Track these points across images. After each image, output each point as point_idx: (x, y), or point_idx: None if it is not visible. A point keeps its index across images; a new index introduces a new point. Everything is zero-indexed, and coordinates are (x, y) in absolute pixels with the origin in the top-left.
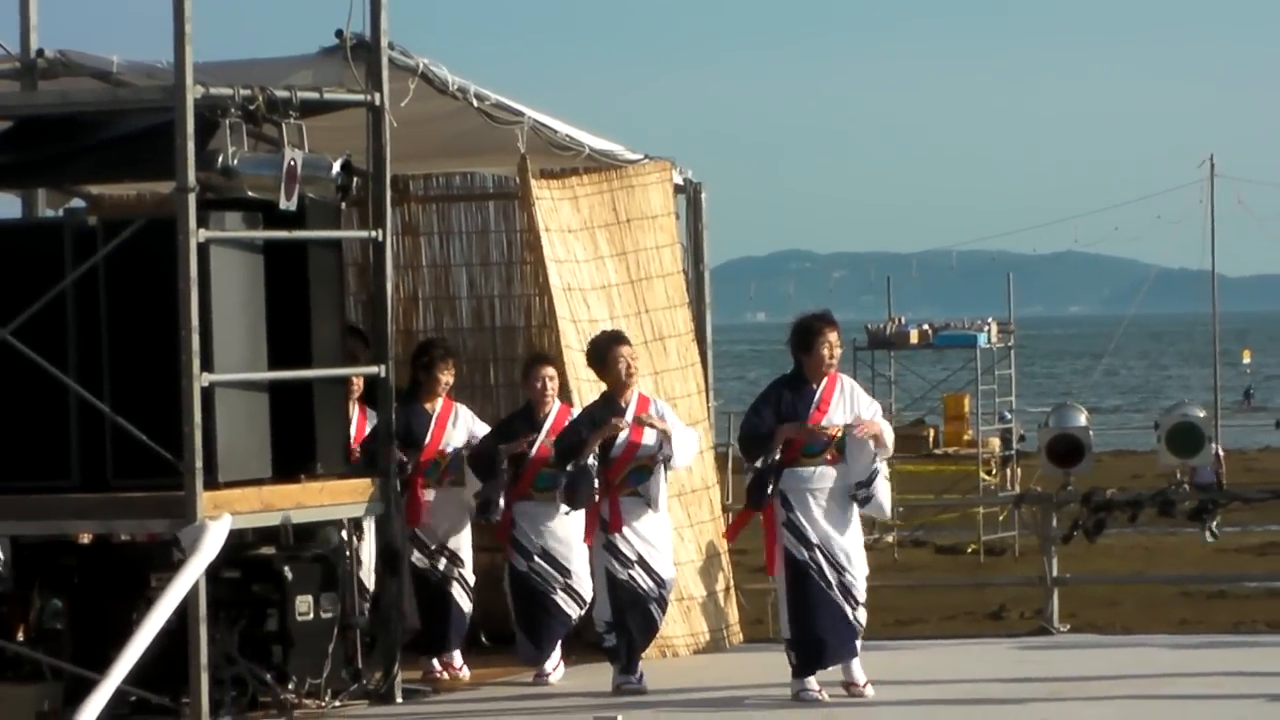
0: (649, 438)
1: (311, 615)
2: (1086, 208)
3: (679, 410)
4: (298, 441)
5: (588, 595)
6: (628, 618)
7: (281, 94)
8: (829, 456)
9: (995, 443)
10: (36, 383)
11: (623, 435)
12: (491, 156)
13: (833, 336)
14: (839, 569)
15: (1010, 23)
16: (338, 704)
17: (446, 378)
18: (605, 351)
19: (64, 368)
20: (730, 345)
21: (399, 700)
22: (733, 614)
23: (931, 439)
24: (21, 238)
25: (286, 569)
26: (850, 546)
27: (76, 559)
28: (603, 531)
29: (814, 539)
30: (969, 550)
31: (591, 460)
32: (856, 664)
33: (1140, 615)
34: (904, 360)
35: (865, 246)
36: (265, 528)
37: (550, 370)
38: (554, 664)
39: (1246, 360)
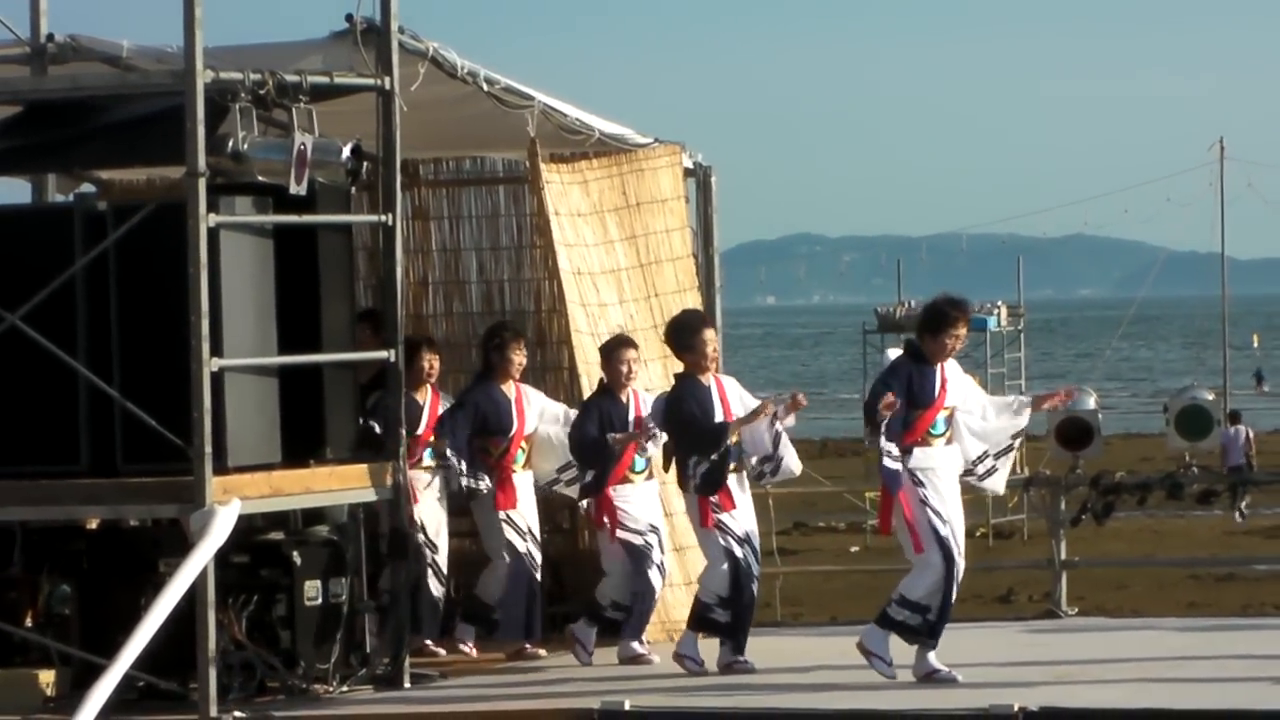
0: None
1: (320, 600)
2: (1096, 190)
3: None
4: (307, 426)
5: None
6: (743, 594)
7: (291, 78)
8: (948, 437)
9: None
10: (46, 368)
11: (718, 416)
12: (501, 141)
13: (962, 330)
14: (958, 552)
15: (1021, 5)
16: (345, 689)
17: (520, 358)
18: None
19: (73, 353)
20: (740, 329)
21: (407, 685)
22: None
23: None
24: (31, 223)
25: (295, 554)
26: (962, 531)
27: (85, 544)
28: (714, 511)
29: (946, 515)
30: (978, 533)
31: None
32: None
33: (1149, 598)
34: None
35: (875, 230)
36: (274, 512)
37: (634, 353)
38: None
39: (1255, 344)
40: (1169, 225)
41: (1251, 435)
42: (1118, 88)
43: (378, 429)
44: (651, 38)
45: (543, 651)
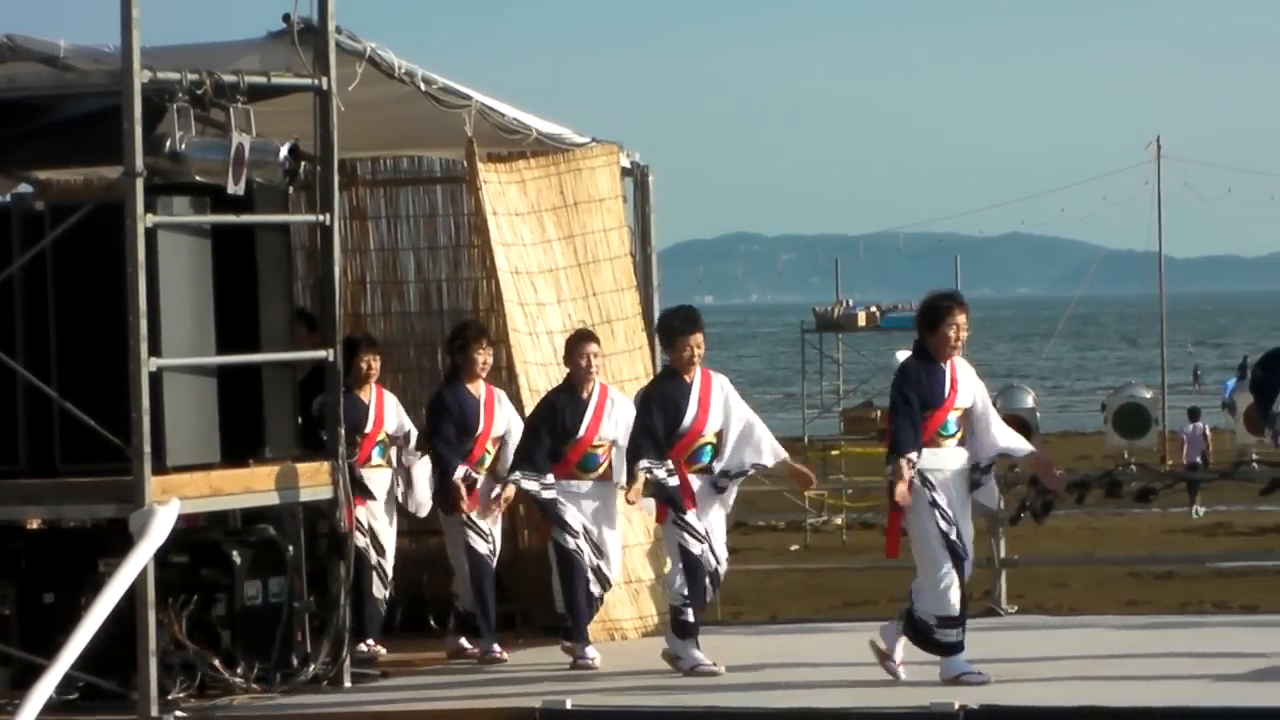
0: (715, 418)
1: (260, 600)
2: (1033, 190)
3: (626, 393)
4: (246, 426)
5: (613, 579)
6: (698, 591)
7: (229, 78)
8: (959, 438)
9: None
10: None
11: (690, 415)
12: (439, 140)
13: (961, 319)
14: (966, 552)
15: (956, 5)
16: (286, 688)
17: (484, 357)
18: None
19: (11, 353)
20: None
21: (347, 684)
22: None
23: (880, 421)
24: None
25: (235, 553)
26: (969, 532)
27: (25, 544)
28: (673, 509)
29: (953, 517)
30: None
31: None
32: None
33: (1088, 596)
34: (852, 342)
35: (813, 229)
36: (214, 512)
37: (595, 347)
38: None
39: (1191, 343)
40: (1106, 224)
41: (1209, 433)
42: (1054, 87)
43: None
44: (590, 37)
45: (505, 654)
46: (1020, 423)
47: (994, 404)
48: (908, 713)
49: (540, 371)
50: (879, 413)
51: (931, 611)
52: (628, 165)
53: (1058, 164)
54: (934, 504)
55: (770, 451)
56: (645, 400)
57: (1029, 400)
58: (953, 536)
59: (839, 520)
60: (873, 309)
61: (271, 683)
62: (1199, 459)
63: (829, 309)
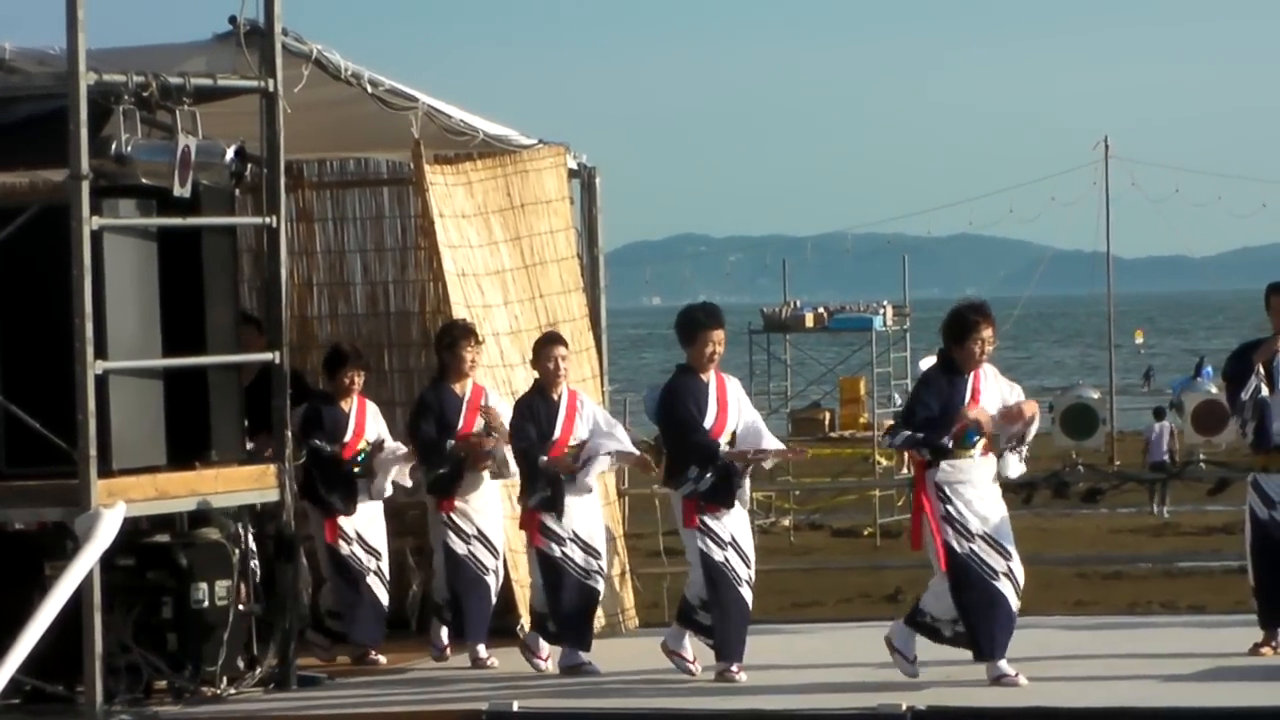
0: (731, 422)
1: (207, 602)
2: (981, 190)
3: None
4: (192, 428)
5: (605, 573)
6: (721, 598)
7: (175, 80)
8: (984, 447)
9: (890, 425)
10: None
11: (710, 417)
12: (385, 142)
13: (987, 333)
14: (1005, 555)
15: (905, 5)
16: (233, 691)
17: (472, 355)
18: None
19: None
20: (626, 330)
21: (294, 687)
22: (629, 598)
23: (827, 422)
24: None
25: (182, 556)
26: (1007, 532)
27: None
28: (697, 512)
29: (975, 529)
30: (865, 533)
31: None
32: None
33: (1036, 596)
34: (800, 343)
35: (761, 230)
36: (161, 515)
37: (563, 350)
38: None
39: (1139, 340)
40: (1054, 224)
41: (1177, 431)
42: (1001, 88)
43: (327, 447)
44: (536, 39)
45: (494, 661)
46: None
47: None
48: (855, 714)
49: (486, 374)
50: (827, 414)
51: (939, 616)
52: (575, 167)
53: (1006, 164)
54: (947, 518)
55: (769, 438)
56: (672, 396)
57: None
58: (960, 551)
59: (786, 522)
60: (820, 310)
61: (218, 686)
62: (1164, 459)
63: (777, 310)
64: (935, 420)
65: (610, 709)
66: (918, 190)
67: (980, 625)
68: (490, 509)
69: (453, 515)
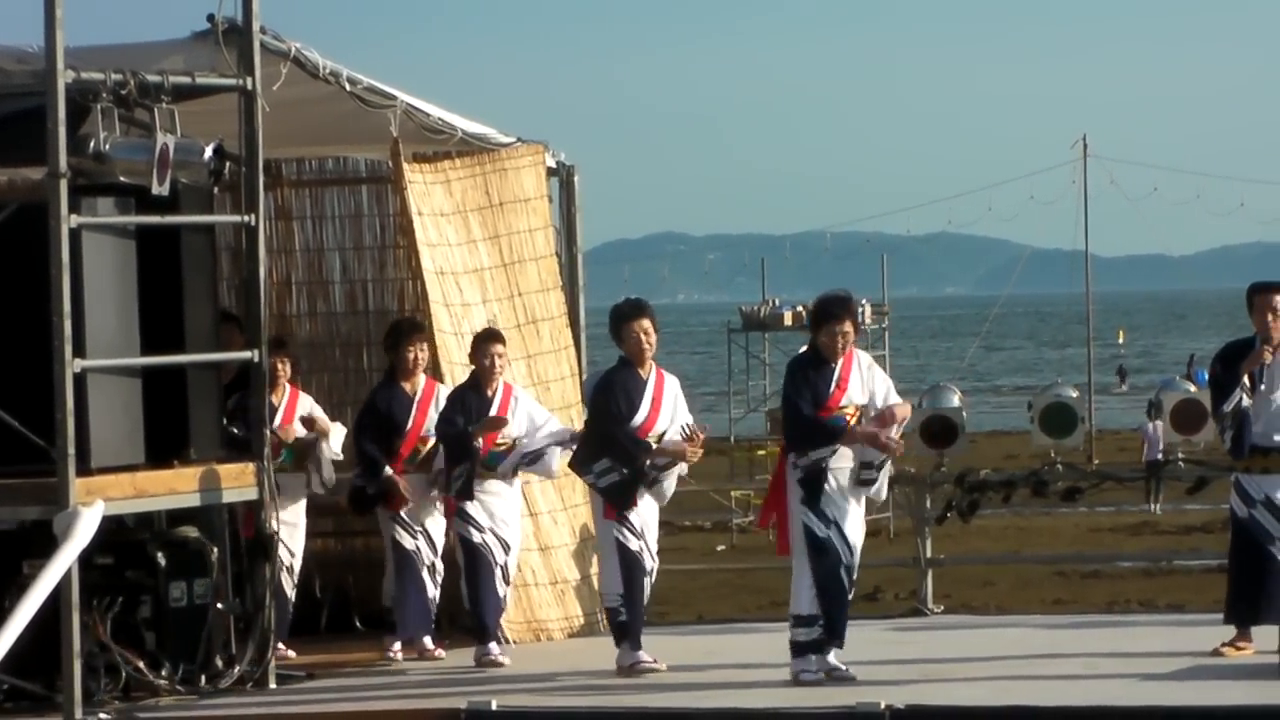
0: (663, 422)
1: (185, 601)
2: (960, 189)
3: (551, 393)
4: (171, 427)
5: (512, 577)
6: (634, 588)
7: (153, 78)
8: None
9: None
10: None
11: (642, 414)
12: (364, 140)
13: (846, 325)
14: (850, 550)
15: (880, 4)
16: (212, 689)
17: (416, 353)
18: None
19: None
20: (604, 328)
21: (272, 685)
22: None
23: None
24: None
25: (160, 555)
26: (858, 530)
27: None
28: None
29: (831, 516)
30: None
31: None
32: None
33: (1014, 595)
34: (778, 342)
35: (740, 228)
36: (139, 513)
37: (500, 347)
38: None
39: (1121, 340)
40: (1032, 223)
41: (1162, 430)
42: (980, 87)
43: (237, 431)
44: (515, 37)
45: (441, 652)
46: (946, 422)
47: (919, 404)
48: (834, 713)
49: (465, 373)
50: None
51: (792, 610)
52: (553, 165)
53: (985, 163)
54: (807, 503)
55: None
56: (605, 388)
57: (955, 400)
58: (820, 535)
59: None
60: (799, 308)
61: (196, 684)
62: (1160, 456)
63: (755, 309)
64: (814, 434)
65: (589, 707)
66: (897, 189)
67: (833, 614)
68: (430, 507)
69: (402, 512)
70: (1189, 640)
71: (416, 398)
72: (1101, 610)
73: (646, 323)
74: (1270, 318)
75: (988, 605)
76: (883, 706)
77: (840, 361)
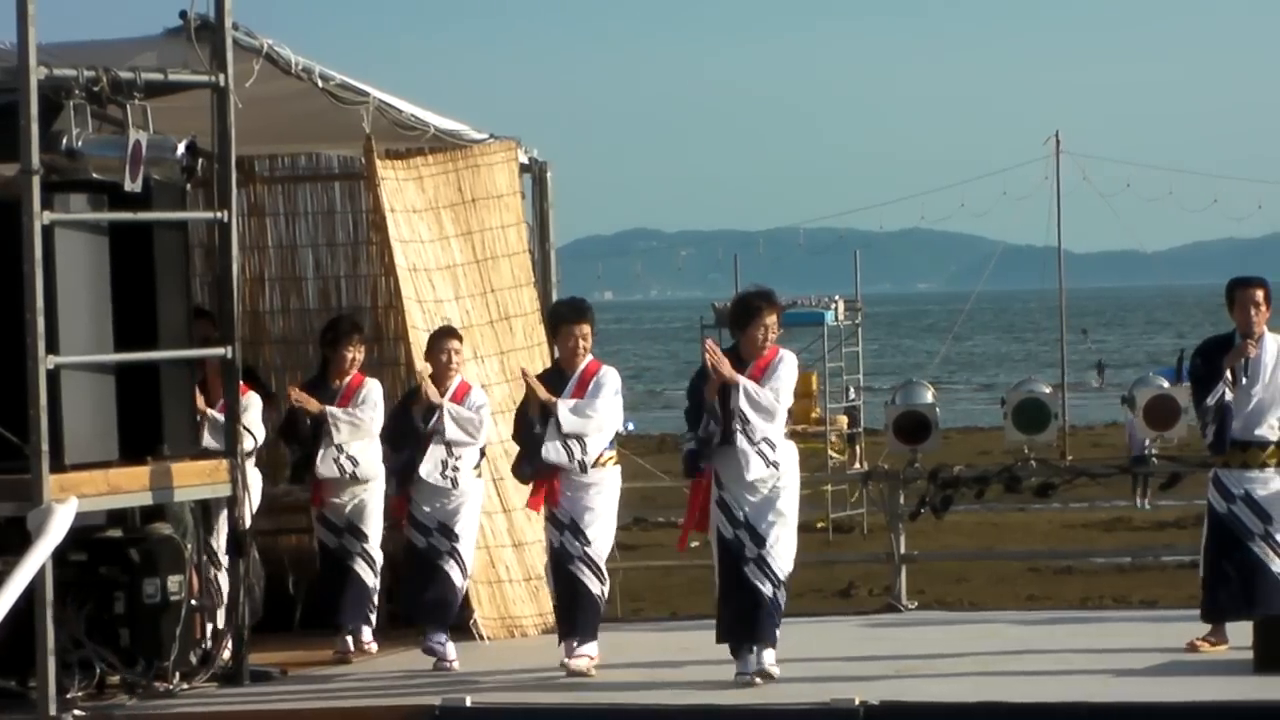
0: None
1: (159, 597)
2: (933, 185)
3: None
4: (145, 424)
5: (469, 570)
6: (559, 580)
7: (126, 75)
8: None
9: (843, 420)
10: None
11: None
12: (336, 137)
13: (771, 319)
14: (759, 542)
15: (857, 2)
16: (185, 686)
17: (351, 353)
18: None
19: None
20: None
21: (246, 682)
22: None
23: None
24: None
25: (133, 551)
26: (773, 529)
27: None
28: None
29: (741, 519)
30: (817, 527)
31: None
32: (769, 653)
33: (988, 591)
34: None
35: (712, 225)
36: (113, 509)
37: (456, 344)
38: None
39: (1085, 334)
40: (1005, 219)
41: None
42: (953, 83)
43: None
44: (487, 34)
45: (373, 648)
46: (919, 418)
47: (893, 400)
48: (808, 708)
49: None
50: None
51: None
52: (526, 161)
53: (957, 159)
54: (721, 503)
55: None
56: (526, 399)
57: (928, 396)
58: (727, 536)
59: None
60: None
61: (171, 681)
62: (1144, 452)
63: (728, 305)
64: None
65: (562, 704)
66: (869, 185)
67: (726, 615)
68: (357, 502)
69: (324, 510)
70: (1163, 636)
71: (339, 396)
72: (1075, 606)
73: (586, 328)
74: (1252, 312)
75: (962, 601)
76: (857, 702)
77: (756, 360)
